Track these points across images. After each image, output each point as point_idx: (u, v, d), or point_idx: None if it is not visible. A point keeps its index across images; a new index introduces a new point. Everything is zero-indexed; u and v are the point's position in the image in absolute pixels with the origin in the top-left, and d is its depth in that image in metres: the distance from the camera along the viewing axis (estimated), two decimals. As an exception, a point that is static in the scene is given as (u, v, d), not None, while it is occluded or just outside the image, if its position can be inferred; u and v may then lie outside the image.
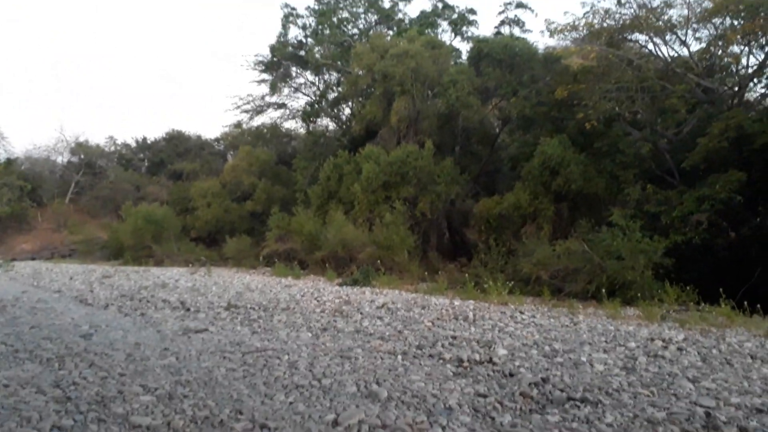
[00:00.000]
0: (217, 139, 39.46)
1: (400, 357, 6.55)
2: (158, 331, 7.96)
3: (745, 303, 9.98)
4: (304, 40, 29.76)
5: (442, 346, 7.19)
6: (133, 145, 41.59)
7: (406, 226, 18.20)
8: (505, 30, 27.81)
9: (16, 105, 75.78)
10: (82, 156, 39.50)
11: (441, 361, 6.46)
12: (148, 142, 41.18)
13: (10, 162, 38.49)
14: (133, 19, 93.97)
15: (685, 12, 15.97)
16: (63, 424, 4.15)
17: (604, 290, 11.70)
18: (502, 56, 21.93)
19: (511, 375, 5.80)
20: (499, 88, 21.73)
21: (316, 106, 29.96)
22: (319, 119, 30.25)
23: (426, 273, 16.16)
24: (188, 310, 10.07)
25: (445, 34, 29.29)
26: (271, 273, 19.01)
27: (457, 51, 28.27)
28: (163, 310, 10.03)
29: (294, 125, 33.19)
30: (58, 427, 4.10)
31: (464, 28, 29.14)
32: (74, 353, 6.32)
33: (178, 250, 24.46)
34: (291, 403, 4.82)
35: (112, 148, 41.77)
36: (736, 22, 15.72)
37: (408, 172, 19.10)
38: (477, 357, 6.52)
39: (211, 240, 26.61)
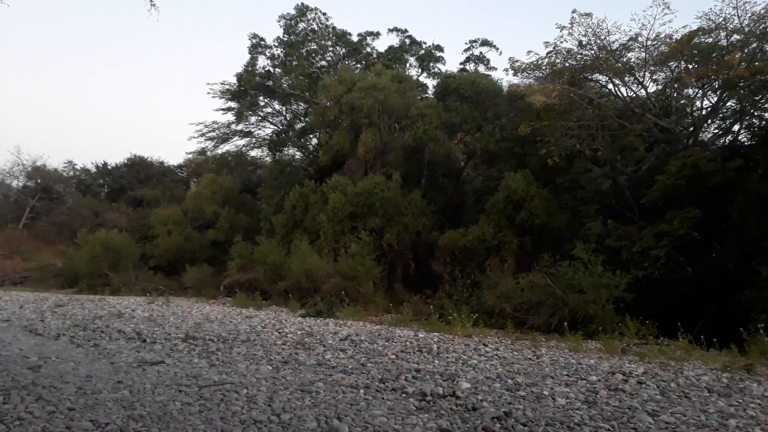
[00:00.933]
0: (180, 166, 38.92)
1: (362, 391, 6.42)
2: (112, 362, 7.64)
3: (702, 337, 10.19)
4: (272, 70, 29.89)
5: (406, 379, 7.10)
6: (93, 170, 40.64)
7: (372, 256, 18.15)
8: (470, 67, 28.60)
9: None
10: (39, 180, 38.36)
11: (404, 395, 6.36)
12: (109, 167, 40.30)
13: (-39, 185, 37.16)
14: (98, 41, 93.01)
15: (643, 55, 16.63)
16: (2, 463, 3.89)
17: (566, 323, 11.79)
18: (469, 92, 22.45)
19: (474, 409, 5.73)
20: (465, 123, 22.12)
21: (283, 135, 29.97)
22: (285, 148, 30.22)
23: (391, 304, 16.05)
24: (144, 341, 9.72)
25: (412, 69, 29.91)
26: (232, 303, 18.60)
27: (424, 86, 28.87)
28: (117, 341, 9.66)
29: (260, 154, 33.06)
30: (-4, 467, 3.85)
31: (431, 64, 29.81)
32: (21, 386, 6.00)
33: (135, 278, 23.75)
34: (251, 439, 4.65)
35: (71, 173, 40.72)
36: (690, 66, 16.45)
37: (375, 203, 19.13)
38: (440, 390, 6.44)
39: (170, 269, 25.93)
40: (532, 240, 17.33)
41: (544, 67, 17.94)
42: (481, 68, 28.35)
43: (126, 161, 39.71)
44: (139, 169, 38.92)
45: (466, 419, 5.38)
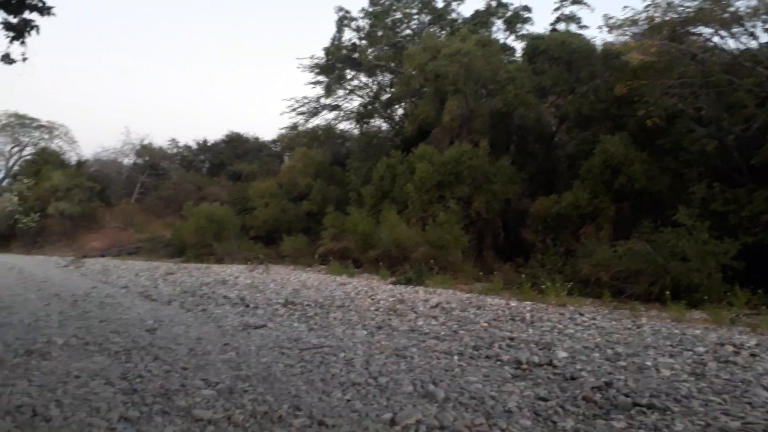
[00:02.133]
0: (274, 141, 40.22)
1: (456, 357, 6.48)
2: (219, 326, 8.17)
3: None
4: (357, 42, 30.00)
5: (500, 347, 7.07)
6: (195, 147, 42.92)
7: (461, 225, 18.05)
8: (561, 27, 27.22)
9: (85, 109, 79.66)
10: (147, 158, 41.10)
11: (498, 362, 6.35)
12: (209, 144, 42.40)
13: (80, 164, 40.54)
14: (196, 24, 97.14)
15: (754, 2, 15.14)
16: (129, 415, 4.30)
17: (668, 292, 11.23)
18: (559, 53, 21.49)
19: (573, 378, 5.63)
20: (556, 86, 21.26)
21: (370, 107, 30.15)
22: (372, 120, 30.43)
23: (481, 273, 15.96)
24: (247, 306, 10.30)
25: (499, 32, 28.95)
26: (326, 271, 19.24)
27: (511, 49, 27.89)
28: (223, 306, 10.29)
29: (348, 126, 33.52)
30: (125, 417, 4.26)
31: (518, 26, 28.68)
32: (140, 347, 6.56)
33: (237, 248, 25.11)
34: (348, 400, 4.84)
35: (175, 150, 43.24)
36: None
37: (462, 171, 18.94)
38: (536, 359, 6.37)
39: (268, 238, 27.16)
40: (630, 206, 16.52)
41: (641, 23, 16.77)
42: (573, 28, 26.92)
43: (224, 138, 41.61)
44: (236, 144, 40.67)
45: (564, 388, 5.30)
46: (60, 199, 34.15)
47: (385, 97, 30.00)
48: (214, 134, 60.15)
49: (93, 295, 11.25)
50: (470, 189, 18.94)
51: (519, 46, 27.68)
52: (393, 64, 28.15)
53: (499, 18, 29.03)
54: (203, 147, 42.50)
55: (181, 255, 25.96)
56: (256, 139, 41.41)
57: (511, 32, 28.75)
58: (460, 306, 10.65)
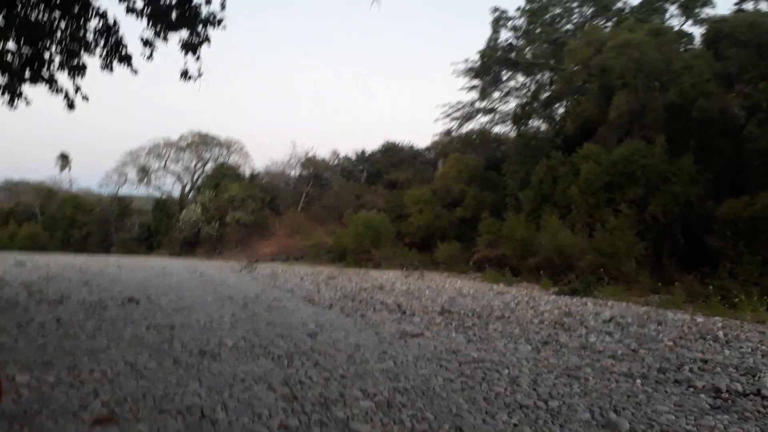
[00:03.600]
0: (428, 148, 40.59)
1: (638, 381, 5.63)
2: (376, 333, 8.05)
3: None
4: (514, 42, 29.15)
5: (690, 370, 6.06)
6: (353, 157, 44.74)
7: (633, 231, 16.45)
8: (749, 6, 23.88)
9: (258, 126, 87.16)
10: (311, 169, 43.66)
11: (691, 389, 5.40)
12: (366, 154, 43.93)
13: (253, 177, 44.20)
14: (356, 38, 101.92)
15: None
16: (289, 423, 4.20)
17: None
18: (748, 35, 18.84)
19: (793, 415, 4.57)
20: (744, 73, 18.69)
21: (527, 107, 29.07)
22: (530, 121, 29.28)
23: (658, 284, 14.35)
24: (404, 313, 10.14)
25: (673, 18, 26.28)
26: (481, 279, 18.67)
27: (689, 36, 25.14)
28: (380, 312, 10.24)
29: (503, 129, 32.63)
30: (285, 426, 4.16)
31: (697, 10, 25.75)
32: (301, 351, 6.60)
33: (393, 254, 25.50)
34: (515, 425, 4.33)
35: (336, 162, 45.42)
36: None
37: (635, 171, 17.30)
38: (739, 387, 5.31)
39: (423, 245, 27.26)
40: None
41: None
42: (763, 6, 23.46)
43: (381, 147, 42.89)
44: (392, 154, 41.68)
45: (783, 427, 4.29)
46: (236, 209, 37.47)
47: (544, 96, 28.73)
48: (372, 144, 62.33)
49: (261, 298, 11.85)
50: (644, 191, 17.24)
51: (698, 32, 24.89)
52: (552, 62, 26.92)
53: (673, 3, 26.37)
54: (361, 157, 44.11)
55: (342, 260, 26.96)
56: (411, 147, 42.13)
57: (688, 17, 25.93)
58: (638, 321, 9.51)
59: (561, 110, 27.74)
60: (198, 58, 8.96)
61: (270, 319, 9.05)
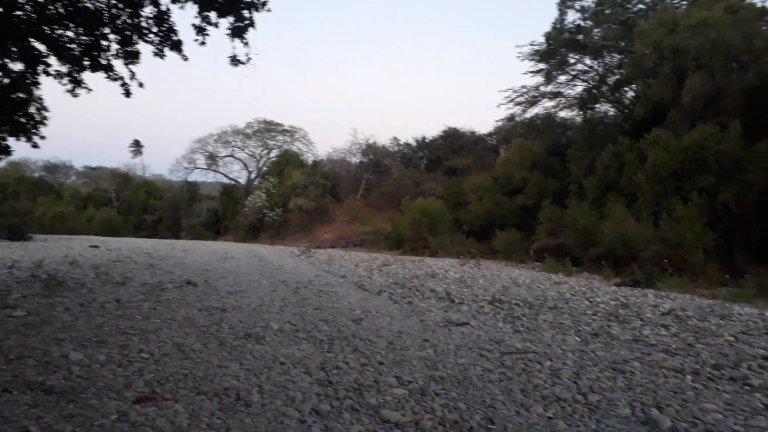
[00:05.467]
0: (489, 134, 39.76)
1: (689, 377, 5.35)
2: (421, 320, 8.02)
3: None
4: (582, 24, 27.99)
5: (749, 368, 5.69)
6: (414, 144, 44.52)
7: (703, 221, 15.59)
8: None
9: (320, 114, 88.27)
10: (371, 156, 43.82)
11: (746, 387, 5.09)
12: (427, 140, 43.60)
13: (316, 164, 44.84)
14: (418, 25, 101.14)
15: None
16: (321, 408, 4.26)
17: None
18: None
19: None
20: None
21: (595, 91, 27.95)
22: (597, 105, 28.13)
23: (727, 276, 13.55)
24: (452, 301, 10.04)
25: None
26: (540, 268, 18.23)
27: (773, 11, 23.35)
28: (429, 299, 10.19)
29: (569, 114, 31.51)
30: (316, 410, 4.22)
31: (783, -18, 23.93)
32: (343, 336, 6.67)
33: (450, 242, 25.27)
34: (550, 418, 4.22)
35: (396, 148, 45.35)
36: None
37: (707, 158, 16.34)
38: (803, 388, 4.96)
39: (482, 233, 26.84)
40: None
41: None
42: None
43: (441, 133, 42.41)
44: (452, 140, 41.13)
45: None
46: (298, 195, 38.15)
47: (612, 79, 27.51)
48: (432, 131, 61.77)
49: (314, 283, 12.03)
50: (716, 179, 16.25)
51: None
52: (622, 44, 25.72)
53: (754, -23, 24.57)
54: (422, 144, 43.83)
55: (399, 247, 26.99)
56: (472, 133, 41.39)
57: (772, -9, 24.15)
58: (699, 314, 9.03)
59: (630, 94, 26.53)
60: (246, 43, 9.13)
61: (318, 303, 9.18)
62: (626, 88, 26.88)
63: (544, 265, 18.29)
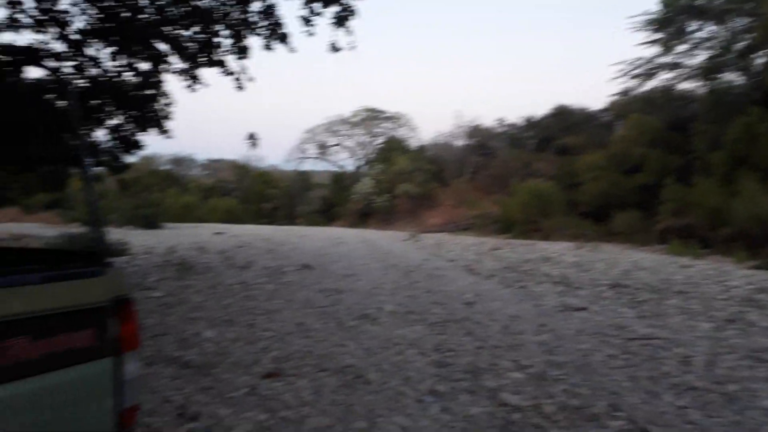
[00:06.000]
0: (603, 110, 37.73)
1: None
2: (536, 305, 7.84)
3: None
4: (701, -12, 25.70)
5: None
6: (521, 124, 43.27)
7: None
8: None
9: (424, 98, 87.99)
10: (477, 139, 43.20)
11: None
12: (535, 120, 42.21)
13: (420, 149, 44.99)
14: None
15: None
16: (438, 389, 4.31)
17: None
18: None
19: None
20: None
21: (719, 59, 25.59)
22: (722, 75, 25.75)
23: None
24: (569, 286, 9.70)
25: None
26: (664, 251, 17.10)
27: None
28: (543, 284, 9.91)
29: (690, 85, 29.11)
30: (433, 391, 4.28)
31: None
32: (456, 320, 6.68)
33: (564, 224, 24.37)
34: (681, 407, 3.99)
35: (502, 129, 44.36)
36: None
37: None
38: None
39: (598, 214, 25.59)
40: None
41: None
42: None
43: (551, 111, 40.86)
44: (563, 117, 39.50)
45: None
46: (405, 181, 38.54)
47: (739, 45, 25.02)
48: (542, 110, 59.62)
49: (423, 267, 12.12)
50: None
51: None
52: (750, 6, 23.28)
53: None
54: (530, 123, 42.47)
55: (509, 231, 26.43)
56: (584, 109, 39.47)
57: None
58: None
59: (760, 61, 24.00)
60: (348, 31, 9.31)
61: (429, 286, 9.26)
62: (755, 55, 24.38)
63: (669, 247, 17.14)
